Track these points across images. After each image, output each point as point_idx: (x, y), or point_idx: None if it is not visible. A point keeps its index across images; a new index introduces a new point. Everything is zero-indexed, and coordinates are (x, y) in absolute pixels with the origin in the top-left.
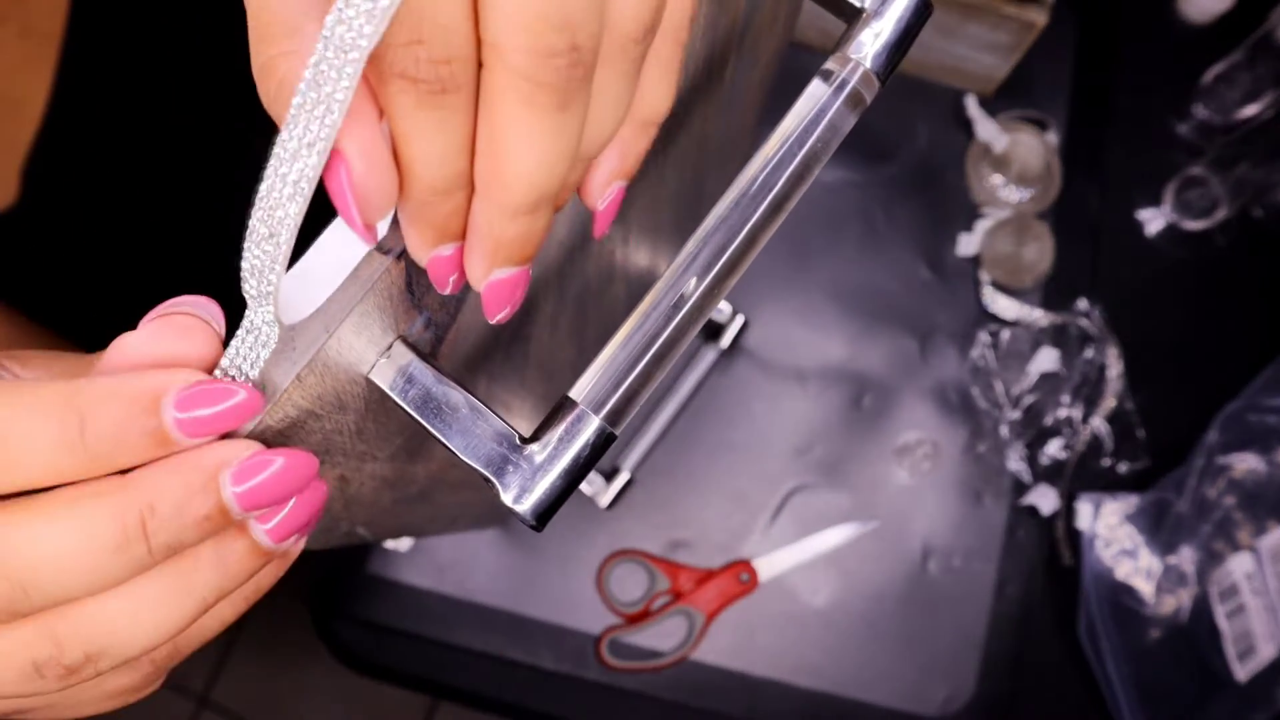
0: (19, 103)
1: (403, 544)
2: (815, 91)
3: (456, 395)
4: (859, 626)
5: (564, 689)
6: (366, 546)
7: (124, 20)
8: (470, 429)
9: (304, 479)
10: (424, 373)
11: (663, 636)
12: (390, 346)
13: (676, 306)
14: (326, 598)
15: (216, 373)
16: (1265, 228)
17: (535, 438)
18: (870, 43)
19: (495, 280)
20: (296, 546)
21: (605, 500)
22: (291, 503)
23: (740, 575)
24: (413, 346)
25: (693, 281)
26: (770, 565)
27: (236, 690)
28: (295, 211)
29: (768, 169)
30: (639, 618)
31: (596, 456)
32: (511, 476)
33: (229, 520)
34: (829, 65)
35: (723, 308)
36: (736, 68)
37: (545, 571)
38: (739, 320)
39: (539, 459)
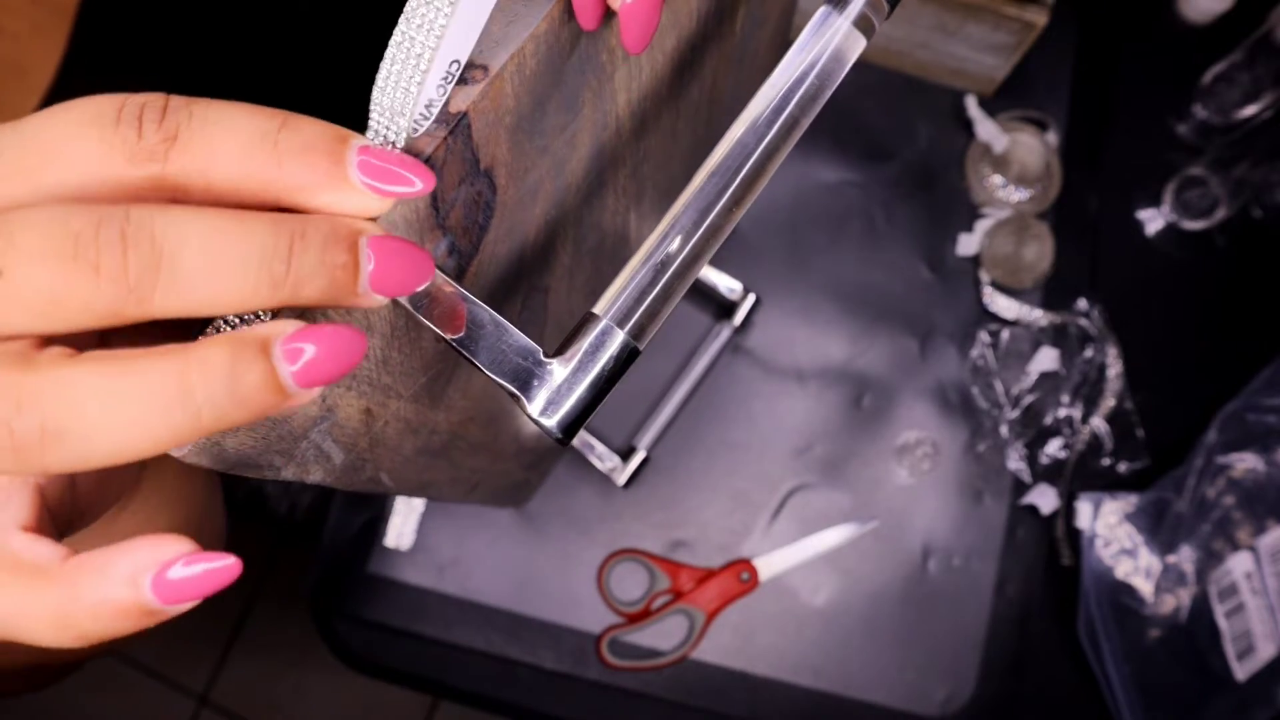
0: (25, 70)
1: (403, 543)
2: (825, 16)
3: (481, 312)
4: (859, 626)
5: (564, 689)
6: (366, 546)
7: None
8: (495, 345)
9: (422, 273)
10: (448, 291)
11: (663, 636)
12: None
13: (696, 225)
14: (326, 598)
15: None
16: (1265, 228)
17: (560, 352)
18: None
19: None
20: (304, 395)
21: (622, 479)
22: (314, 350)
23: (740, 575)
24: (437, 266)
25: (711, 200)
26: (770, 565)
27: (236, 690)
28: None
29: (780, 93)
30: (639, 617)
31: (622, 370)
32: (537, 390)
33: (354, 279)
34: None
35: (734, 286)
36: (746, 20)
37: (545, 571)
38: (751, 298)
39: (565, 373)
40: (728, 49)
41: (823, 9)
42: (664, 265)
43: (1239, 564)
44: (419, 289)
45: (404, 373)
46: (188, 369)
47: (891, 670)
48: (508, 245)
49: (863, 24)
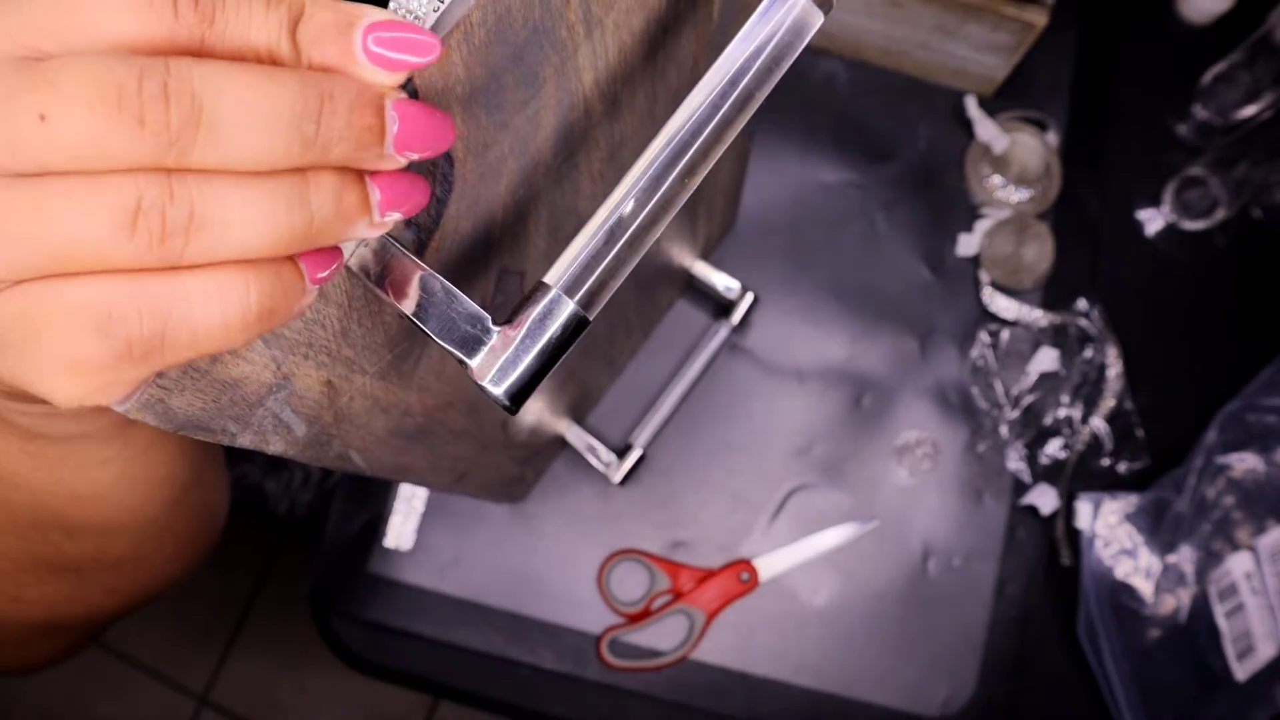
0: None
1: (403, 543)
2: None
3: (432, 281)
4: (859, 626)
5: (564, 689)
6: (366, 546)
7: None
8: (444, 312)
9: (444, 135)
10: (400, 260)
11: (663, 636)
12: None
13: (648, 192)
14: (326, 598)
15: (393, 6)
16: (1265, 228)
17: (509, 321)
18: None
19: None
20: (386, 224)
21: (618, 476)
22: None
23: (740, 575)
24: (390, 237)
25: (665, 170)
26: (770, 565)
27: (236, 690)
28: None
29: (736, 65)
30: (639, 617)
31: (571, 339)
32: (485, 358)
33: (380, 141)
34: None
35: (732, 285)
36: (723, 6)
37: (545, 571)
38: (749, 297)
39: (512, 341)
40: (705, 33)
41: None
42: (614, 234)
43: (1239, 564)
44: (441, 151)
45: (366, 347)
46: (306, 181)
47: (892, 671)
48: (472, 222)
49: None
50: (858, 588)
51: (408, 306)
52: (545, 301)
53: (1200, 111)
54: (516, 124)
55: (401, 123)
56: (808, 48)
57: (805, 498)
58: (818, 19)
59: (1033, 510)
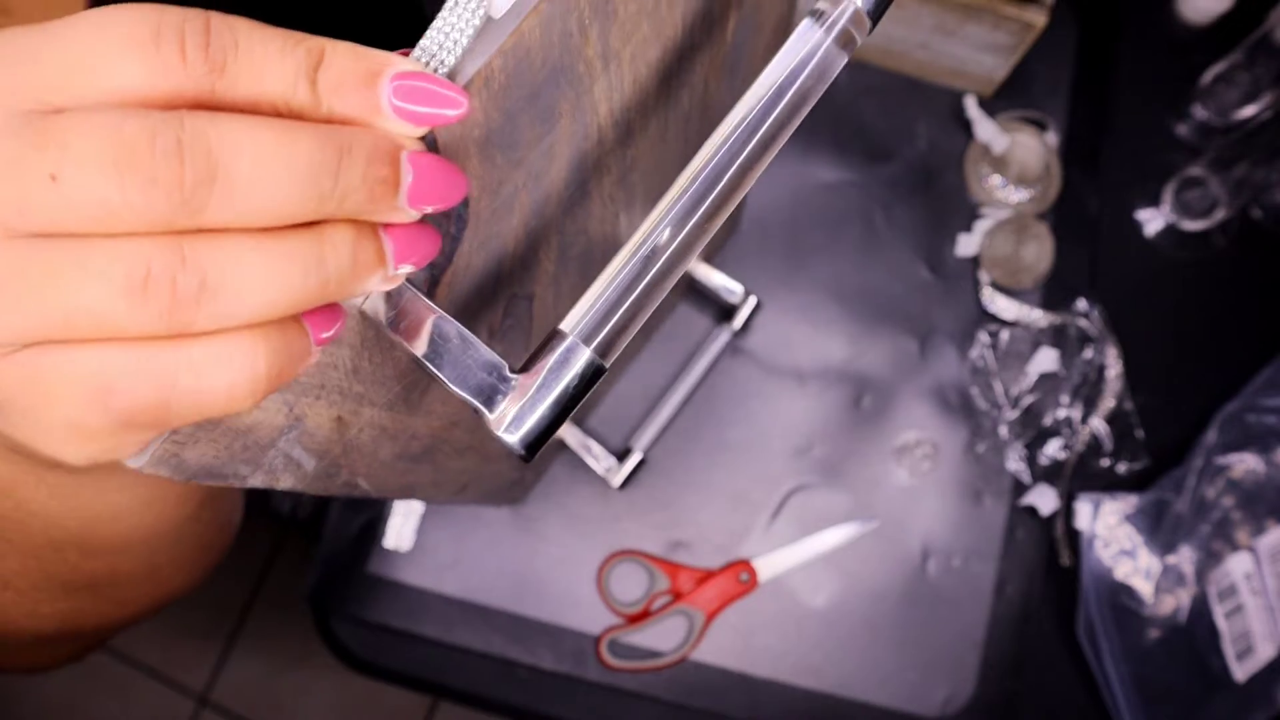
0: None
1: (403, 543)
2: (806, 31)
3: (447, 326)
4: (859, 626)
5: (564, 689)
6: (366, 546)
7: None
8: (460, 359)
9: (457, 190)
10: (415, 304)
11: (663, 636)
12: None
13: (669, 241)
14: (326, 598)
15: (417, 53)
16: (1264, 228)
17: (525, 369)
18: None
19: None
20: (402, 273)
21: (618, 480)
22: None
23: (740, 575)
24: (407, 279)
25: (684, 216)
26: (770, 565)
27: (236, 690)
28: None
29: (758, 107)
30: (639, 618)
31: (586, 388)
32: (501, 406)
33: (395, 193)
34: (820, 5)
35: (734, 288)
36: (738, 28)
37: (545, 572)
38: (751, 301)
39: (529, 389)
40: (719, 56)
41: (805, 23)
42: (634, 281)
43: (1238, 564)
44: (454, 204)
45: (376, 381)
46: (321, 237)
47: (892, 671)
48: (484, 256)
49: (844, 39)
50: (857, 588)
51: (421, 351)
52: (561, 350)
53: (1200, 111)
54: (531, 159)
55: (416, 176)
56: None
57: (805, 498)
58: (841, 60)
59: (1032, 511)
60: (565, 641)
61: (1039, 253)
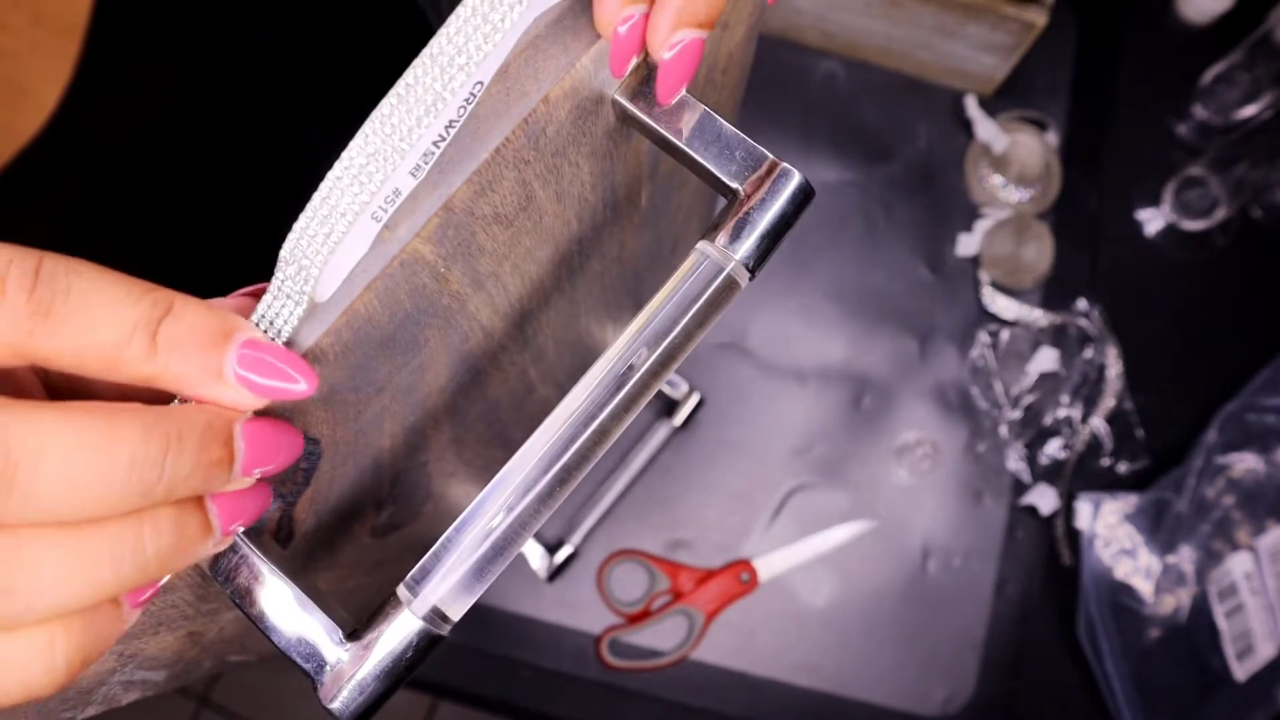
0: (24, 91)
1: None
2: (686, 279)
3: (283, 587)
4: (859, 626)
5: (564, 689)
6: None
7: (154, 20)
8: (292, 624)
9: (294, 452)
10: (253, 564)
11: (663, 636)
12: None
13: (517, 501)
14: None
15: (255, 318)
16: (1264, 228)
17: (357, 636)
18: (746, 237)
19: (679, 45)
20: (226, 541)
21: (544, 573)
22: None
23: (740, 575)
24: (246, 536)
25: (533, 478)
26: (770, 565)
27: (236, 690)
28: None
29: (616, 372)
30: (639, 617)
31: (421, 658)
32: (329, 676)
33: (229, 470)
34: (703, 247)
35: (676, 380)
36: (654, 193)
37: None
38: (695, 398)
39: (360, 659)
40: (633, 221)
41: (686, 267)
42: (476, 547)
43: (1238, 564)
44: (291, 462)
45: (214, 613)
46: (141, 523)
47: (891, 670)
48: (351, 467)
49: (726, 286)
50: (857, 588)
51: (256, 613)
52: (396, 620)
53: (1200, 111)
54: (397, 381)
55: (249, 448)
56: (808, 47)
57: (805, 498)
58: (726, 305)
59: (1032, 510)
60: (566, 641)
61: (1039, 252)
